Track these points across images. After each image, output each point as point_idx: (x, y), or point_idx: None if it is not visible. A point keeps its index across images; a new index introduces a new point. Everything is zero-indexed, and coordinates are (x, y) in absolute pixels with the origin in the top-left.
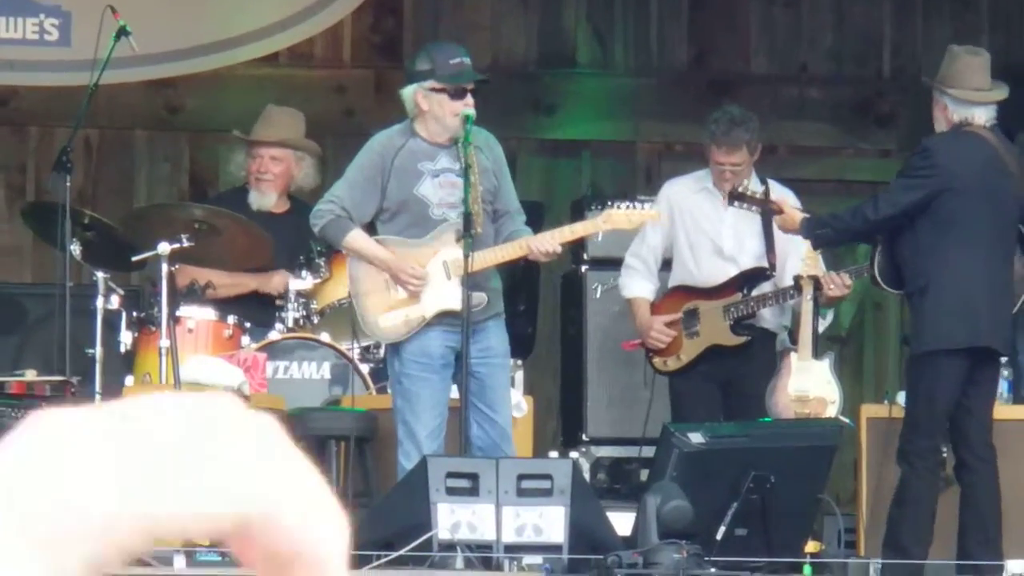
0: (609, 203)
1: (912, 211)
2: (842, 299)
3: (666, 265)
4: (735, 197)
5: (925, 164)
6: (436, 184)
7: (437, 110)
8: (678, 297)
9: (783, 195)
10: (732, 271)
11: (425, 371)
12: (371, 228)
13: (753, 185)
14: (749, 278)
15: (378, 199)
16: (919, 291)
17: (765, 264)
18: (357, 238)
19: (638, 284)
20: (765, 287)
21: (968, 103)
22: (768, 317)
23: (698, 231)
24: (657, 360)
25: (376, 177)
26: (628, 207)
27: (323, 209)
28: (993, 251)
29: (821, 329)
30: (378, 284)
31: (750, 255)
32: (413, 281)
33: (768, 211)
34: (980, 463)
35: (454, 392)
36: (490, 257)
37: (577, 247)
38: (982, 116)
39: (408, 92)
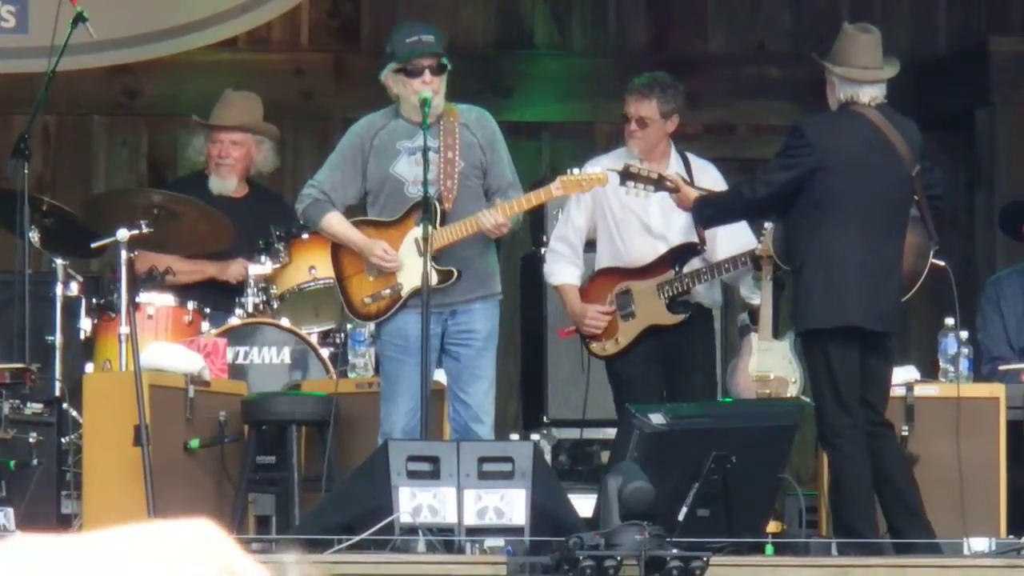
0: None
1: (787, 191)
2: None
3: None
4: (626, 176)
5: (797, 144)
6: (412, 162)
7: (402, 90)
8: (608, 279)
9: (703, 169)
10: (661, 248)
11: (402, 353)
12: (362, 212)
13: (673, 160)
14: (680, 254)
15: (360, 181)
16: (796, 270)
17: (695, 239)
18: (332, 221)
19: (565, 270)
20: (695, 263)
21: (853, 82)
22: (703, 292)
23: (624, 209)
24: (595, 345)
25: (356, 158)
26: (579, 172)
27: (304, 194)
28: (872, 230)
29: (757, 301)
30: (358, 267)
31: (678, 230)
32: (385, 261)
33: (663, 189)
34: (878, 441)
35: (441, 375)
36: (446, 236)
37: (536, 229)
38: (867, 95)
39: (382, 78)
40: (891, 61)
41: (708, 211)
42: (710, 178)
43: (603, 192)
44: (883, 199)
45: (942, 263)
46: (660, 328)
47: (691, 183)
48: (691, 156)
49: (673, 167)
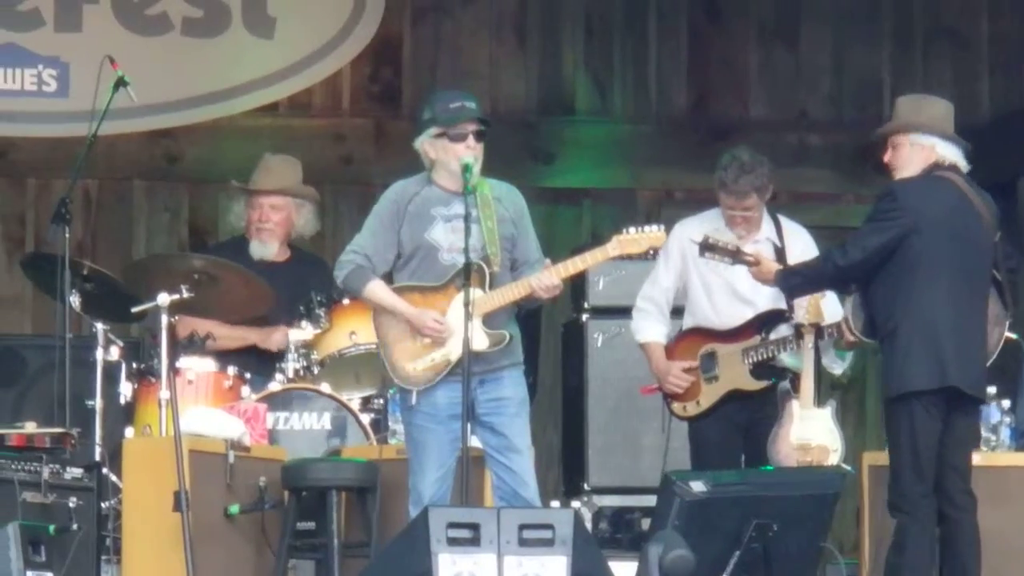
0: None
1: (880, 254)
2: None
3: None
4: (706, 248)
5: (891, 207)
6: (448, 229)
7: (442, 156)
8: (694, 340)
9: (795, 233)
10: (749, 313)
11: (430, 422)
12: (387, 275)
13: (765, 224)
14: (767, 320)
15: (396, 246)
16: (889, 335)
17: (783, 306)
18: (376, 289)
19: (652, 328)
20: (782, 329)
21: (954, 147)
22: (787, 360)
23: (713, 272)
24: (676, 406)
25: (393, 223)
26: (636, 231)
27: (344, 260)
28: (961, 293)
29: (839, 372)
30: (404, 332)
31: (767, 296)
32: (436, 333)
33: (741, 262)
34: (960, 513)
35: (474, 441)
36: (496, 299)
37: (578, 296)
38: (961, 160)
39: (417, 144)
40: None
41: (795, 280)
42: (801, 242)
43: (692, 255)
44: (970, 263)
45: (1015, 336)
46: (743, 393)
47: (782, 246)
48: (782, 219)
49: (765, 231)
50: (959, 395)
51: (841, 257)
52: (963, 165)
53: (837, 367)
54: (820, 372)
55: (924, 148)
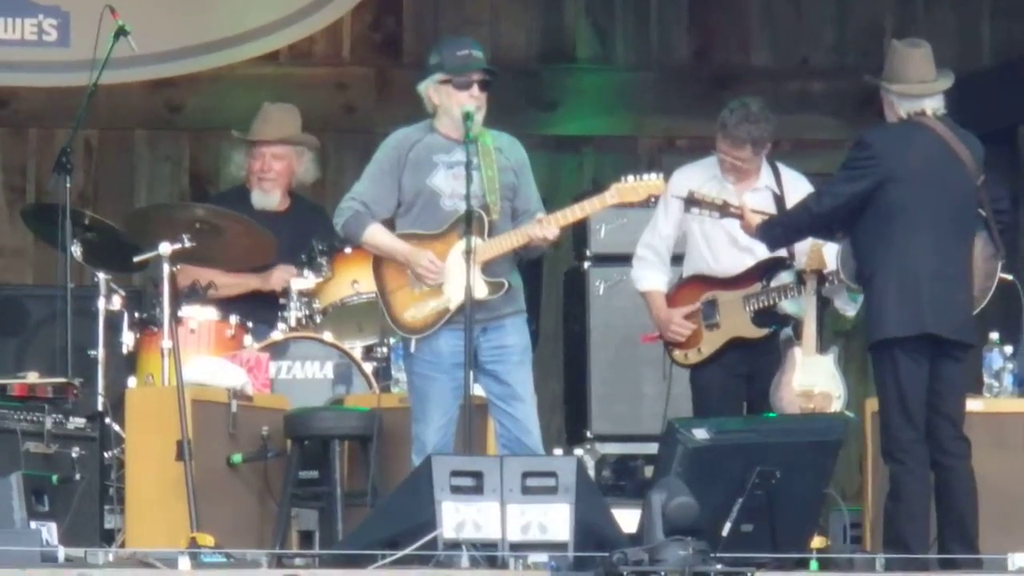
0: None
1: (855, 202)
2: None
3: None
4: (691, 203)
5: (863, 155)
6: (450, 175)
7: (445, 102)
8: (695, 287)
9: (794, 180)
10: (748, 261)
11: (434, 370)
12: (390, 224)
13: (764, 172)
14: (768, 267)
15: (396, 193)
16: (867, 281)
17: (783, 253)
18: (375, 233)
19: (652, 276)
20: (783, 276)
21: (912, 96)
22: (789, 307)
23: (711, 221)
24: (677, 353)
25: (393, 170)
26: (635, 179)
27: (343, 207)
28: (941, 239)
29: (852, 313)
30: (402, 281)
31: None
32: (430, 273)
33: (728, 215)
34: (952, 460)
35: (477, 390)
36: (495, 247)
37: (580, 244)
38: (929, 107)
39: (421, 88)
40: (944, 73)
41: (776, 231)
42: (800, 189)
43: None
44: (951, 209)
45: (1010, 277)
46: (744, 341)
47: (781, 194)
48: (781, 167)
49: (764, 179)
50: (942, 341)
51: (815, 204)
52: (931, 111)
53: (851, 309)
54: (823, 319)
55: (893, 102)
